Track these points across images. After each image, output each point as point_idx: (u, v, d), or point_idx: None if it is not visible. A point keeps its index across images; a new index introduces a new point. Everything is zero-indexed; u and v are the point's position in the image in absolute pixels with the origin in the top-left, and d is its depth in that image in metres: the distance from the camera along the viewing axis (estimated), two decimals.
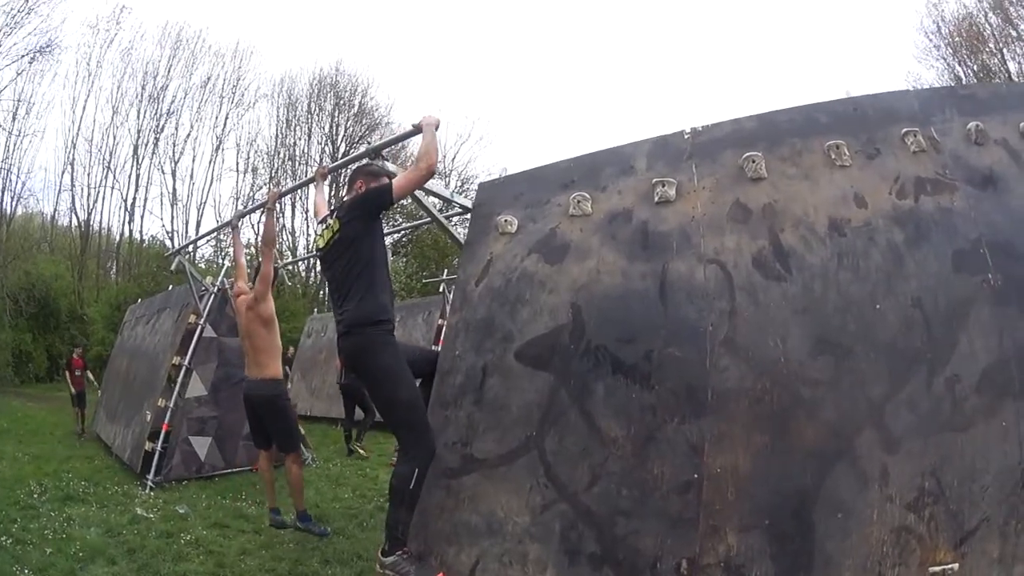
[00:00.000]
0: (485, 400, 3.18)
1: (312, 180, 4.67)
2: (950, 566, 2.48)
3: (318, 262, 3.78)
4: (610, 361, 2.97)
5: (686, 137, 3.28)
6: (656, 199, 3.16)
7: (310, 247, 30.99)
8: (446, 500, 3.11)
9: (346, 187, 3.80)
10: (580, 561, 2.75)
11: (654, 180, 3.21)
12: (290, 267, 27.84)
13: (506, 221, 3.49)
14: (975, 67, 24.15)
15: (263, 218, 5.15)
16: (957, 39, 24.76)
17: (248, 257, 5.67)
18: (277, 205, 4.91)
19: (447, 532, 3.07)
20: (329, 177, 4.55)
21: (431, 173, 3.36)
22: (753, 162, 3.05)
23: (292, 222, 32.76)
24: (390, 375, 3.22)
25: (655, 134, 3.40)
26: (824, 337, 2.76)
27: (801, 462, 2.63)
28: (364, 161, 4.11)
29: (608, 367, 2.96)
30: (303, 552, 5.03)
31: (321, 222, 3.73)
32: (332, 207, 3.83)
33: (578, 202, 3.34)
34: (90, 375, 12.82)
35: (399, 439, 3.20)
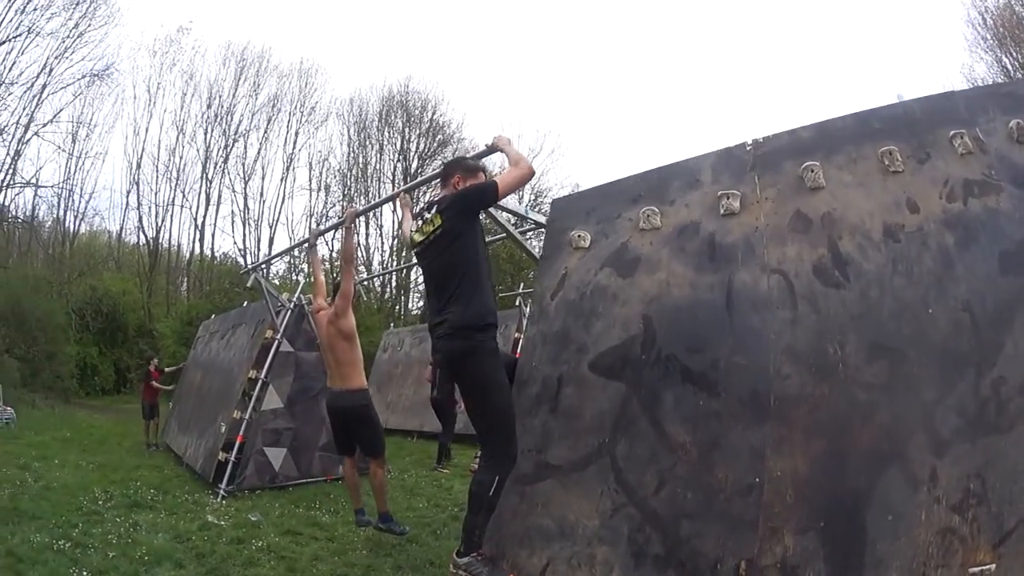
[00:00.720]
0: (560, 409, 3.61)
1: (391, 199, 4.96)
2: (988, 567, 2.63)
3: (415, 257, 3.89)
4: (679, 370, 3.34)
5: (748, 149, 3.62)
6: (722, 211, 3.53)
7: (385, 263, 32.71)
8: (520, 505, 3.54)
9: (440, 180, 4.00)
10: (645, 563, 3.12)
11: (719, 192, 3.56)
12: (366, 283, 29.22)
13: (579, 236, 3.92)
14: (1021, 58, 24.61)
15: (341, 235, 5.61)
16: (1002, 30, 25.13)
17: (323, 273, 5.94)
18: (354, 223, 5.29)
19: (520, 535, 3.51)
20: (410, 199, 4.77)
21: (532, 173, 3.70)
22: (812, 171, 3.36)
23: (367, 239, 34.09)
24: (491, 382, 3.46)
25: (722, 145, 3.68)
26: (879, 342, 3.01)
27: (856, 465, 2.87)
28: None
29: (677, 376, 3.33)
30: (376, 558, 5.37)
31: (417, 216, 3.90)
32: (430, 202, 3.95)
33: (648, 216, 3.74)
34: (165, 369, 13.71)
35: (485, 445, 3.53)
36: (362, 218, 31.22)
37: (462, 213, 3.55)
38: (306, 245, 6.14)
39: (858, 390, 2.97)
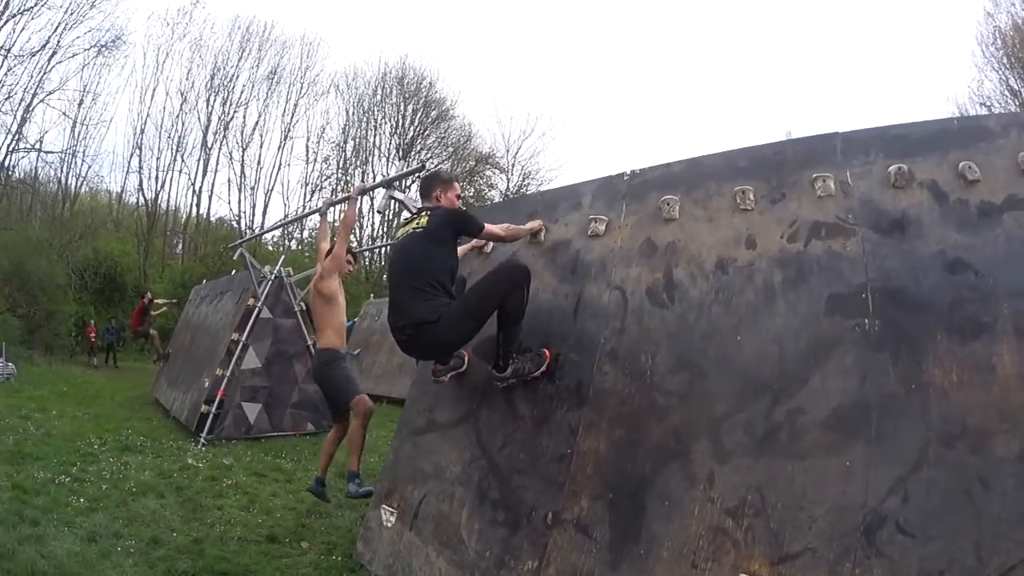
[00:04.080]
0: (449, 381, 4.31)
1: (396, 178, 5.63)
2: None
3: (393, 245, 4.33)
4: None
5: (625, 179, 4.07)
6: (589, 233, 4.03)
7: (375, 235, 32.89)
8: (411, 451, 4.33)
9: (422, 195, 4.34)
10: (486, 503, 3.80)
11: (590, 216, 4.05)
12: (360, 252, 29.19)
13: (486, 243, 4.54)
14: None
15: (346, 206, 5.64)
16: (1010, 49, 23.99)
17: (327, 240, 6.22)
18: (360, 197, 5.58)
19: (409, 474, 4.29)
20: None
21: (506, 240, 4.30)
22: (668, 204, 3.76)
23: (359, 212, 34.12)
24: (451, 322, 3.75)
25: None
26: (685, 358, 3.40)
27: (644, 454, 3.32)
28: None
29: None
30: None
31: (411, 220, 4.13)
32: (421, 208, 4.27)
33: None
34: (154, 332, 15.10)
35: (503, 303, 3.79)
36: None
37: (447, 225, 3.88)
38: (317, 213, 6.26)
39: (658, 395, 3.39)
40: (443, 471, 4.12)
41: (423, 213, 4.03)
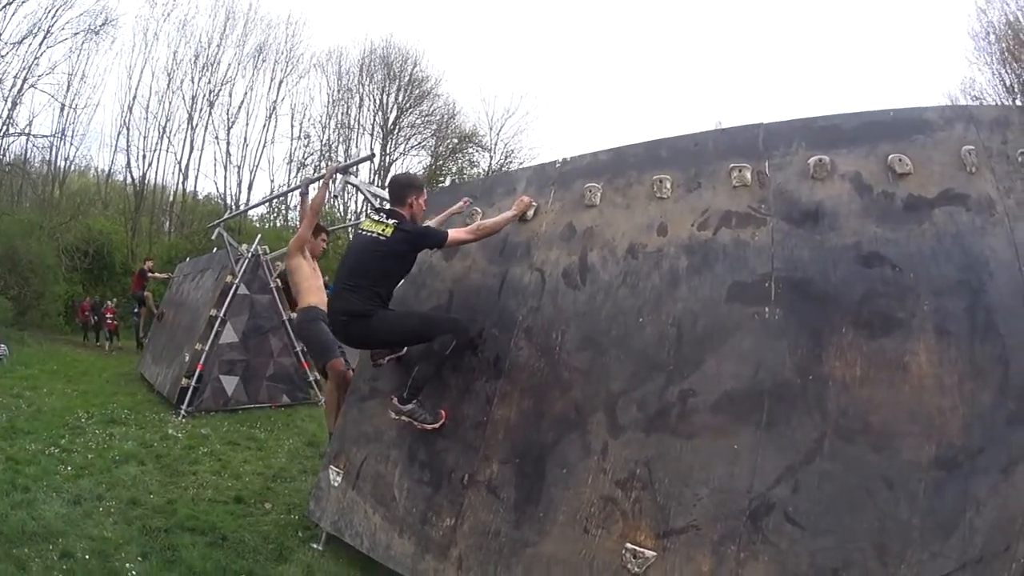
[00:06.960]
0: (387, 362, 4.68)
1: (363, 160, 5.99)
2: (648, 551, 3.01)
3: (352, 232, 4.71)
4: None
5: (556, 167, 4.31)
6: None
7: (359, 211, 32.20)
8: (357, 416, 4.71)
9: (393, 199, 4.44)
10: (415, 463, 4.15)
11: None
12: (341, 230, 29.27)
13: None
14: (1021, 73, 22.84)
15: (317, 189, 5.94)
16: (1003, 45, 23.76)
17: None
18: (333, 177, 5.86)
19: (354, 437, 4.66)
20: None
21: (478, 240, 4.28)
22: (591, 191, 4.00)
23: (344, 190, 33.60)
24: (384, 326, 4.15)
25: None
26: (590, 337, 3.65)
27: (548, 424, 3.60)
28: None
29: None
30: (289, 463, 6.69)
31: (377, 213, 4.43)
32: (391, 211, 4.41)
33: (472, 215, 4.60)
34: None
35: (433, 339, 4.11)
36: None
37: (409, 242, 4.12)
38: (298, 191, 6.49)
39: (564, 370, 3.65)
40: (382, 434, 4.48)
41: (390, 221, 4.19)
